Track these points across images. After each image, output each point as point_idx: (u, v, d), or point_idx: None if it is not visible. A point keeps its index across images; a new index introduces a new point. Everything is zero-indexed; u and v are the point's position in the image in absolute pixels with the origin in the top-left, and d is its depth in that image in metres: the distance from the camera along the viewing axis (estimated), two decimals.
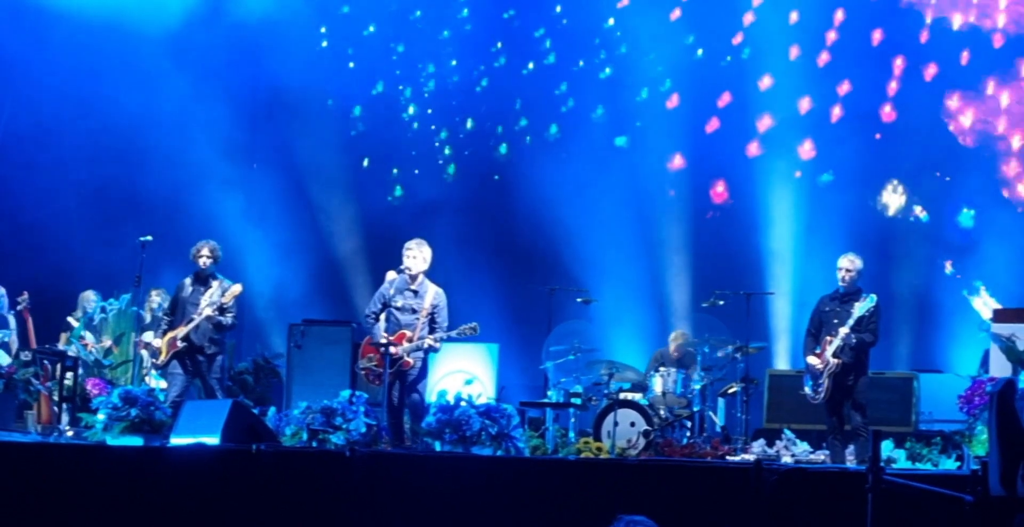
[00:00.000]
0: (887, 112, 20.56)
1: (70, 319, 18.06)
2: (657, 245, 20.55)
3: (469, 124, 22.75)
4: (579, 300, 17.58)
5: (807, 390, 13.64)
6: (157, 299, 17.86)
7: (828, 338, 13.48)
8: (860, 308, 13.36)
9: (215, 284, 14.86)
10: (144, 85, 20.96)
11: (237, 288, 14.80)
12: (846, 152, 20.18)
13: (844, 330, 13.32)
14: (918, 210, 19.91)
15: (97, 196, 20.80)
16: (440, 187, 22.30)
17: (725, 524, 10.13)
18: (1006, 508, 7.36)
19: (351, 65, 22.95)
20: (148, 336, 17.16)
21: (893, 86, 20.46)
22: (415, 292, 14.07)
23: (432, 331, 14.00)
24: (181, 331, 14.72)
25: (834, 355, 13.34)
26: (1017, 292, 18.19)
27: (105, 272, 18.96)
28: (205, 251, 14.94)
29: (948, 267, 19.21)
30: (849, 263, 13.68)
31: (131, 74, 20.92)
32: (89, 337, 17.61)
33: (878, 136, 20.48)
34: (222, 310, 14.70)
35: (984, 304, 18.01)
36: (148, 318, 17.84)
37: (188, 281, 15.06)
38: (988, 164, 19.55)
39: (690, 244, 20.57)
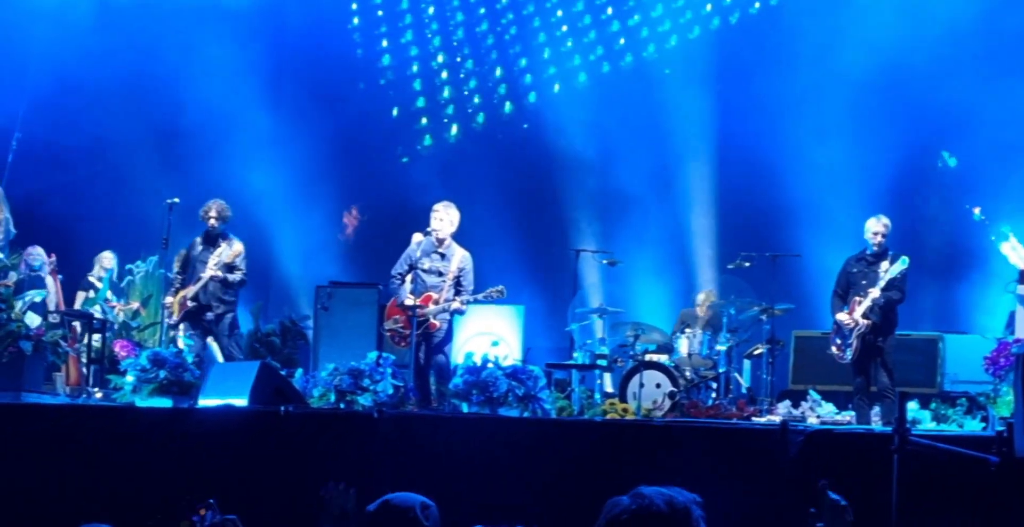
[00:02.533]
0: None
1: (91, 278, 18.10)
2: (683, 206, 20.51)
3: (499, 72, 22.77)
4: (605, 262, 17.56)
5: (834, 349, 13.65)
6: None
7: (857, 299, 13.47)
8: (892, 270, 13.34)
9: (224, 244, 14.93)
10: (171, 39, 20.99)
11: (238, 247, 14.85)
12: (871, 100, 20.09)
13: (875, 292, 13.32)
14: (946, 156, 19.79)
15: (125, 157, 20.85)
16: (468, 139, 22.30)
17: (750, 485, 10.16)
18: None
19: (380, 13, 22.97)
20: None
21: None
22: (442, 255, 14.10)
23: (458, 294, 14.03)
24: (191, 290, 14.83)
25: (863, 316, 13.35)
26: None
27: (133, 234, 19.02)
28: (213, 212, 15.03)
29: (976, 212, 19.09)
30: (883, 227, 13.62)
31: (158, 29, 20.94)
32: (112, 298, 17.70)
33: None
34: (230, 269, 14.78)
35: (1012, 249, 17.91)
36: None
37: (199, 240, 15.18)
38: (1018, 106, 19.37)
39: (716, 205, 20.52)
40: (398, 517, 5.19)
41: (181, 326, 17.22)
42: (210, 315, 14.89)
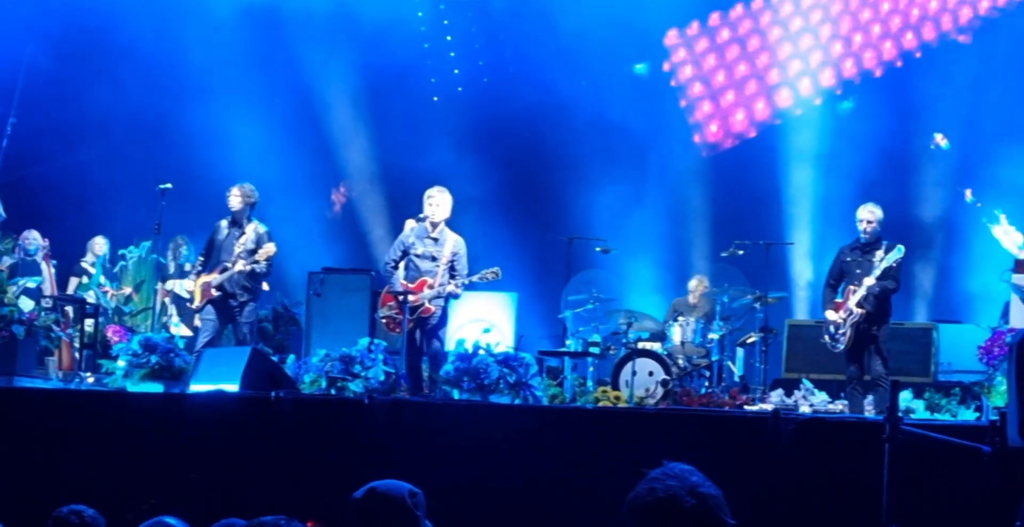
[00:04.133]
0: (908, 39, 20.43)
1: (84, 264, 18.11)
2: (677, 194, 20.48)
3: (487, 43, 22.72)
4: (598, 249, 17.55)
5: (827, 339, 13.60)
6: (183, 250, 17.96)
7: (851, 288, 13.40)
8: (888, 259, 13.27)
9: (249, 228, 14.88)
10: (161, 26, 20.96)
11: (271, 248, 14.73)
12: (868, 81, 20.04)
13: (869, 281, 13.24)
14: (939, 138, 19.73)
15: (118, 142, 20.82)
16: (458, 123, 22.23)
17: (741, 474, 10.15)
18: None
19: None
20: (171, 284, 17.25)
21: (915, 13, 20.30)
22: (435, 240, 14.08)
23: (452, 279, 14.02)
24: (215, 278, 14.74)
25: (858, 305, 13.29)
26: None
27: (125, 220, 18.99)
28: (235, 192, 14.96)
29: (968, 195, 19.00)
30: (869, 214, 13.55)
31: (150, 14, 20.90)
32: (106, 283, 17.69)
33: (899, 64, 20.39)
34: (257, 260, 14.73)
35: (1005, 233, 17.83)
36: (172, 266, 17.92)
37: (224, 223, 15.05)
38: (1012, 91, 19.29)
39: (710, 193, 20.49)
40: (386, 504, 5.15)
41: (173, 312, 17.26)
42: (234, 303, 14.85)
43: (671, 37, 21.95)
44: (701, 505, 3.73)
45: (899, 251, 13.32)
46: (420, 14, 22.87)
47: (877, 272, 13.27)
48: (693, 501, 3.72)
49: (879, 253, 13.36)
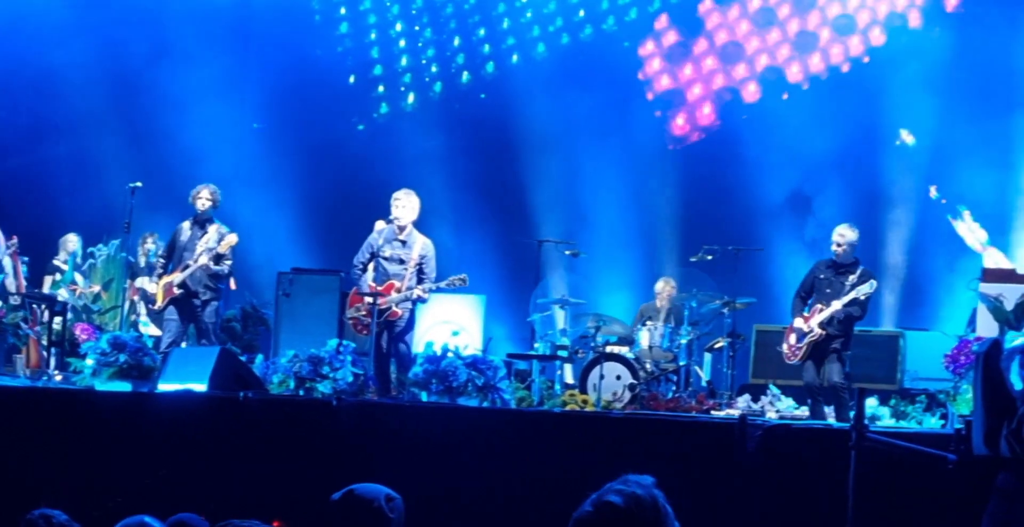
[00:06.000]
0: (876, 35, 20.48)
1: (56, 262, 18.05)
2: (646, 198, 20.48)
3: (457, 41, 22.71)
4: (567, 253, 17.52)
5: (785, 348, 13.64)
6: (151, 245, 17.90)
7: (819, 306, 13.42)
8: (859, 290, 13.27)
9: (212, 229, 14.90)
10: (132, 22, 20.92)
11: (233, 238, 14.79)
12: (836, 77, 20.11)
13: (838, 304, 13.27)
14: (904, 134, 19.73)
15: (89, 140, 20.76)
16: (427, 115, 22.21)
17: (707, 479, 10.18)
18: (988, 467, 7.40)
19: None
20: (141, 282, 17.21)
21: (883, 9, 20.39)
22: (403, 242, 14.10)
23: (420, 281, 14.04)
24: (177, 277, 14.76)
25: (820, 326, 13.33)
26: (1002, 217, 18.17)
27: (95, 217, 18.94)
28: (204, 193, 14.97)
29: (933, 192, 18.99)
30: (840, 236, 13.59)
31: (119, 11, 20.86)
32: (80, 281, 17.64)
33: (866, 59, 20.47)
34: (218, 258, 14.74)
35: (968, 230, 17.82)
36: (142, 263, 17.87)
37: (186, 224, 15.08)
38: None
39: (680, 197, 20.50)
40: (362, 507, 5.16)
41: (142, 311, 17.22)
42: (196, 302, 14.83)
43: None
44: (596, 513, 3.78)
45: (871, 285, 13.36)
46: (396, 10, 22.88)
47: (846, 299, 13.30)
48: (589, 510, 3.79)
49: (852, 277, 13.41)
